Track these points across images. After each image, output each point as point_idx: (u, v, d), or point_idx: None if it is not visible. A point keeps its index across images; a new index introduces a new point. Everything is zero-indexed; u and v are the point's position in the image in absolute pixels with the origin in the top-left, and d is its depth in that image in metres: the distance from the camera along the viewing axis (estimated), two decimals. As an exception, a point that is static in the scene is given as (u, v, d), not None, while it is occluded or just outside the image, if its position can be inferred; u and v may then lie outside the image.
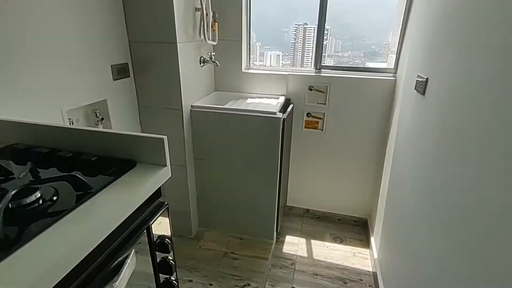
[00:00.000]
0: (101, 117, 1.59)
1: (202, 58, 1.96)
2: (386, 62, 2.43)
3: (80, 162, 0.88)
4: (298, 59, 2.55)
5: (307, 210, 2.52)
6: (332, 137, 2.21)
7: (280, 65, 2.73)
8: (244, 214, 2.10)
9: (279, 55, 2.71)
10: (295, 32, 2.59)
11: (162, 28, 1.62)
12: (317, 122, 2.22)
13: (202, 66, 1.98)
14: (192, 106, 1.89)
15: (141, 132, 1.88)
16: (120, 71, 1.66)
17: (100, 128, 0.91)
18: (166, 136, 0.90)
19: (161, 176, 0.90)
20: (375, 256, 1.97)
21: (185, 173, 1.95)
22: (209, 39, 1.91)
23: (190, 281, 1.79)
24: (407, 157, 1.48)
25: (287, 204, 2.55)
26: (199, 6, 1.77)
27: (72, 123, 1.42)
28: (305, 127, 2.25)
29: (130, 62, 1.74)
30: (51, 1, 1.24)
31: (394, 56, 2.00)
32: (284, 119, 1.84)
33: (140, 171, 0.89)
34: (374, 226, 2.13)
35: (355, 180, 2.29)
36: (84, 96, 1.47)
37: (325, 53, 2.27)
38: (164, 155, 0.90)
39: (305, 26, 2.51)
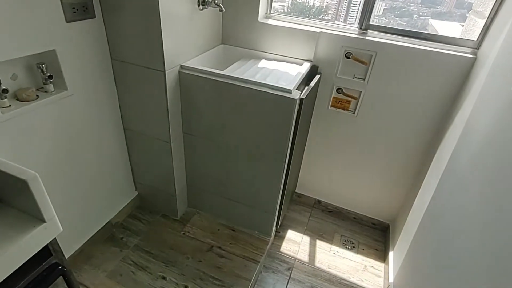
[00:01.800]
0: (48, 74, 1.17)
1: (202, -2, 1.41)
2: (461, 24, 1.75)
3: None
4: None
5: (319, 201, 2.12)
6: (366, 124, 1.68)
7: (325, 4, 2.34)
8: (239, 201, 1.73)
9: None
10: None
11: None
12: (348, 102, 1.68)
13: (201, 10, 1.43)
14: (182, 66, 1.41)
15: (118, 97, 1.49)
16: (77, 9, 1.17)
17: None
18: (36, 175, 0.47)
19: (39, 236, 0.50)
20: (391, 278, 1.59)
21: (169, 150, 1.56)
22: (211, -30, 1.33)
23: (164, 278, 1.53)
24: (477, 168, 0.98)
25: (296, 191, 2.15)
26: None
27: (-2, 83, 1.02)
28: (332, 106, 1.72)
29: (97, -4, 1.24)
30: None
31: (481, 22, 1.34)
32: (302, 99, 1.33)
33: (3, 223, 0.50)
34: (397, 237, 1.72)
35: (384, 177, 1.81)
36: (16, 44, 1.03)
37: None
38: (37, 205, 0.49)
39: None
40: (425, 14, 2.24)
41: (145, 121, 1.53)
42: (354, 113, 1.69)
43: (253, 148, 1.48)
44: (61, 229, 0.54)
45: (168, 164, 1.62)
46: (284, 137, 1.39)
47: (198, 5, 1.41)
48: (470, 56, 1.35)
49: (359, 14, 1.54)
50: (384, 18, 2.28)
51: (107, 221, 1.71)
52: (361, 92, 1.61)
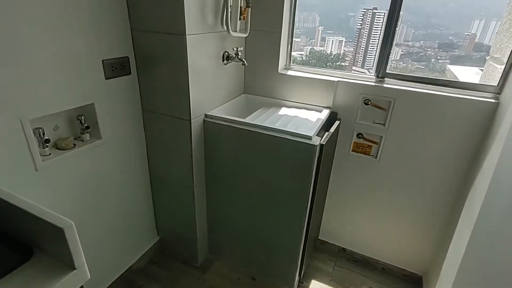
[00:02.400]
0: (86, 125, 1.28)
1: (227, 53, 1.53)
2: (480, 68, 1.77)
3: None
4: (362, 46, 2.26)
5: (343, 249, 2.02)
6: (389, 168, 1.66)
7: (342, 51, 2.39)
8: (261, 248, 1.69)
9: (342, 41, 2.46)
10: (362, 17, 2.30)
11: (169, 14, 1.22)
12: (369, 147, 1.68)
13: (225, 64, 1.55)
14: (206, 115, 1.50)
15: (146, 145, 1.61)
16: (115, 68, 1.31)
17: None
18: (72, 223, 0.51)
19: (68, 283, 0.52)
20: None
21: (192, 195, 1.59)
22: (235, 31, 1.47)
23: (181, 330, 1.47)
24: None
25: (319, 238, 2.08)
26: (224, -14, 1.33)
27: (42, 134, 1.12)
28: (353, 151, 1.72)
29: (133, 55, 1.38)
30: None
31: (500, 67, 1.36)
32: (322, 145, 1.35)
33: (35, 268, 0.52)
34: (432, 293, 1.58)
35: (412, 224, 1.72)
36: (63, 99, 1.15)
37: (393, 42, 1.77)
38: (70, 253, 0.51)
39: (374, 11, 2.21)
40: (443, 58, 2.28)
41: (170, 166, 1.59)
42: (376, 157, 1.67)
43: (275, 193, 1.49)
44: (89, 277, 0.56)
45: (190, 209, 1.64)
46: (306, 183, 1.39)
47: (223, 60, 1.53)
48: (492, 101, 1.34)
49: (375, 63, 1.60)
50: (401, 62, 2.34)
51: (128, 267, 1.71)
52: (382, 137, 1.61)
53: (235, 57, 1.54)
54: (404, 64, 2.31)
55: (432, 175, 1.57)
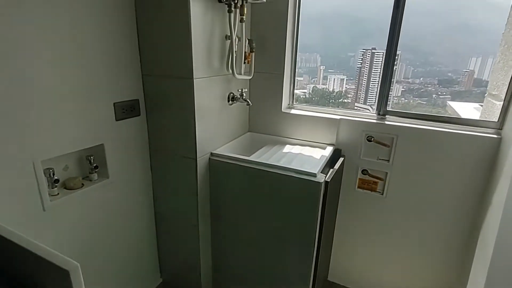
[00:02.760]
0: (95, 165, 1.31)
1: (232, 94, 1.60)
2: (480, 104, 1.80)
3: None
4: (363, 84, 2.34)
5: (355, 292, 1.92)
6: (397, 205, 1.63)
7: (344, 89, 2.48)
8: (268, 292, 1.61)
9: (343, 79, 2.55)
10: (362, 57, 2.40)
11: (178, 60, 1.30)
12: (375, 183, 1.67)
13: (230, 104, 1.61)
14: (212, 153, 1.53)
15: (152, 183, 1.60)
16: (126, 109, 1.37)
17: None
18: (78, 265, 0.51)
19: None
20: None
21: (196, 234, 1.57)
22: (239, 74, 1.54)
23: None
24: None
25: (328, 279, 1.98)
26: (229, 34, 1.43)
27: (52, 174, 1.15)
28: (359, 187, 1.71)
29: (143, 98, 1.45)
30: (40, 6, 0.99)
31: (499, 104, 1.39)
32: (327, 182, 1.35)
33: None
34: None
35: (425, 262, 1.65)
36: (74, 140, 1.20)
37: (393, 79, 1.83)
38: (74, 297, 0.51)
39: (373, 51, 2.29)
40: (444, 93, 2.33)
41: (176, 205, 1.59)
42: (382, 194, 1.65)
43: (281, 231, 1.46)
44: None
45: (194, 248, 1.61)
46: (312, 220, 1.37)
47: (228, 101, 1.59)
48: (494, 136, 1.35)
49: (376, 100, 1.65)
50: (403, 98, 2.40)
51: (129, 312, 1.63)
52: (387, 173, 1.61)
53: (240, 98, 1.60)
54: (406, 100, 2.37)
55: (442, 211, 1.53)
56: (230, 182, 1.51)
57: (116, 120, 1.34)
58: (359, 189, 1.71)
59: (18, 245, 0.56)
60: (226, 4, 1.36)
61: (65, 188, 1.24)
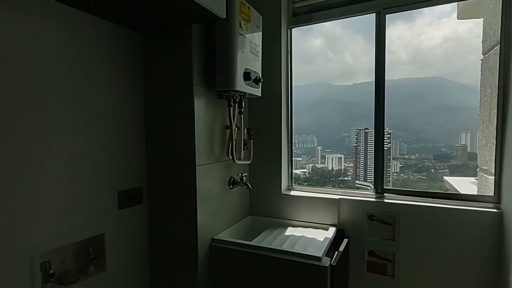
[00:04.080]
0: (93, 256, 1.28)
1: (232, 179, 1.66)
2: (475, 178, 1.84)
3: None
4: (361, 161, 2.41)
5: None
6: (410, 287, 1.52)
7: (342, 167, 2.53)
8: None
9: (341, 157, 2.64)
10: (356, 136, 2.52)
11: (181, 149, 1.40)
12: (384, 265, 1.59)
13: (231, 189, 1.66)
14: (212, 239, 1.50)
15: (150, 274, 1.52)
16: (130, 198, 1.41)
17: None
18: None
19: None
20: None
21: (196, 334, 1.42)
22: (239, 159, 1.63)
23: None
24: None
25: None
26: (229, 124, 1.56)
27: (49, 268, 1.12)
28: (367, 271, 1.62)
29: (146, 185, 1.50)
30: (51, 106, 1.10)
31: (491, 179, 1.43)
32: (333, 266, 1.29)
33: None
34: None
35: None
36: (75, 231, 1.20)
37: (389, 156, 1.88)
38: None
39: (366, 131, 2.41)
40: (442, 168, 2.38)
41: (174, 299, 1.48)
42: (393, 277, 1.56)
43: (288, 327, 1.33)
44: None
45: None
46: (321, 312, 1.26)
47: (229, 185, 1.64)
48: (494, 210, 1.36)
49: (373, 179, 1.69)
50: (402, 174, 2.44)
51: None
52: (394, 253, 1.55)
53: (240, 182, 1.66)
54: (406, 176, 2.41)
55: (460, 296, 1.42)
56: (232, 269, 1.45)
57: (119, 208, 1.36)
58: (368, 273, 1.62)
59: None
60: (226, 100, 1.53)
61: (59, 283, 1.18)
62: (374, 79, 1.66)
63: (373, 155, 1.72)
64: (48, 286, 1.12)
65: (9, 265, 1.00)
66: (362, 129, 2.58)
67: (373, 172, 1.73)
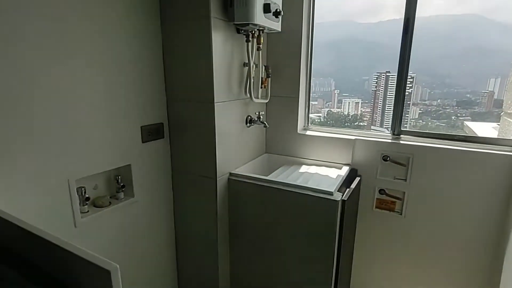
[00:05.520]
0: (122, 184, 1.39)
1: (249, 117, 1.68)
2: (498, 123, 1.80)
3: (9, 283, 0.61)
4: (379, 106, 2.33)
5: (377, 318, 1.85)
6: (417, 224, 1.61)
7: (359, 112, 2.50)
8: (287, 316, 1.59)
9: (358, 102, 2.58)
10: (376, 80, 2.42)
11: (200, 86, 1.41)
12: (393, 203, 1.66)
13: (249, 127, 1.69)
14: (230, 173, 1.59)
15: (173, 203, 1.68)
16: (152, 132, 1.47)
17: (51, 237, 0.64)
18: (117, 266, 0.56)
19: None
20: None
21: (216, 253, 1.59)
22: (257, 97, 1.63)
23: None
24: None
25: (349, 304, 1.93)
26: (247, 61, 1.53)
27: (84, 193, 1.24)
28: (377, 207, 1.71)
29: (167, 121, 1.55)
30: (78, 47, 1.12)
31: (515, 122, 1.39)
32: (344, 201, 1.37)
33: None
34: None
35: (449, 284, 1.59)
36: (105, 161, 1.29)
37: (409, 101, 1.84)
38: (112, 297, 0.56)
39: (387, 74, 2.29)
40: (463, 115, 2.31)
41: (195, 224, 1.63)
42: (401, 214, 1.64)
43: (299, 250, 1.47)
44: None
45: (213, 267, 1.63)
46: (330, 239, 1.37)
47: (246, 123, 1.67)
48: (512, 154, 1.35)
49: (390, 121, 1.68)
50: (421, 121, 2.40)
51: (148, 333, 1.64)
52: (404, 192, 1.61)
53: (257, 120, 1.68)
54: (424, 122, 2.37)
55: (464, 231, 1.50)
56: (248, 201, 1.56)
57: (143, 142, 1.44)
58: (377, 209, 1.71)
59: (62, 249, 0.62)
60: (244, 34, 1.48)
61: (94, 206, 1.32)
62: (403, 16, 1.54)
63: (392, 101, 1.68)
64: (85, 208, 1.26)
65: (52, 190, 1.11)
66: (384, 73, 2.48)
67: (391, 116, 1.72)
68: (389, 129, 1.69)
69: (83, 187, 1.24)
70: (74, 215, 1.19)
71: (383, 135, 1.69)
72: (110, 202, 1.36)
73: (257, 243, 1.58)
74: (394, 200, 1.66)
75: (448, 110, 2.34)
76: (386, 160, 1.62)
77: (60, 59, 1.08)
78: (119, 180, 1.39)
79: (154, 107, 1.47)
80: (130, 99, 1.35)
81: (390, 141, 1.62)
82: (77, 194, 1.20)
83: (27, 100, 1.01)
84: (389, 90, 2.36)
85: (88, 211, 1.27)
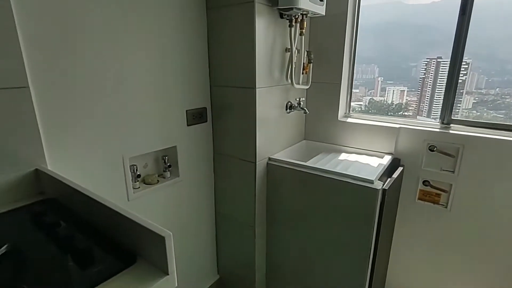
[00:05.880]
0: (168, 164, 1.49)
1: (290, 103, 1.69)
2: None
3: (77, 241, 0.71)
4: (427, 95, 2.16)
5: (414, 311, 1.82)
6: (463, 219, 1.53)
7: (404, 101, 2.40)
8: (321, 300, 1.62)
9: (404, 90, 2.41)
10: (425, 67, 2.25)
11: (242, 72, 1.44)
12: (438, 195, 1.59)
13: (288, 113, 1.70)
14: (269, 158, 1.62)
15: (214, 184, 1.76)
16: (196, 116, 1.55)
17: (111, 204, 0.73)
18: (171, 234, 0.63)
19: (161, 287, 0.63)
20: None
21: (253, 235, 1.66)
22: (298, 83, 1.63)
23: None
24: None
25: (385, 295, 1.91)
26: (289, 47, 1.53)
27: (136, 170, 1.35)
28: (419, 199, 1.65)
29: (210, 106, 1.62)
30: (128, 38, 1.21)
31: None
32: (385, 190, 1.34)
33: (136, 273, 0.64)
34: None
35: (495, 285, 1.51)
36: (154, 142, 1.39)
37: (462, 89, 1.72)
38: (165, 259, 0.63)
39: (438, 60, 2.13)
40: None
41: (234, 206, 1.71)
42: (446, 207, 1.57)
43: (336, 238, 1.47)
44: (176, 284, 0.66)
45: (250, 249, 1.70)
46: (368, 229, 1.36)
47: (286, 109, 1.68)
48: None
49: (440, 109, 1.59)
50: (475, 111, 2.23)
51: (189, 304, 1.77)
52: (451, 185, 1.53)
53: (297, 106, 1.68)
54: (478, 113, 2.20)
55: (517, 230, 1.40)
56: (286, 186, 1.59)
57: (187, 125, 1.52)
58: (419, 201, 1.65)
59: (123, 216, 0.70)
60: (287, 19, 1.47)
61: (144, 183, 1.43)
62: (460, -7, 1.43)
63: (442, 89, 1.58)
64: (136, 184, 1.37)
65: (110, 165, 1.24)
66: (434, 58, 2.32)
67: (440, 106, 1.62)
68: (438, 118, 1.60)
69: (135, 165, 1.35)
70: (127, 190, 1.30)
71: (430, 123, 1.61)
72: (158, 180, 1.46)
73: (293, 227, 1.62)
74: (439, 192, 1.58)
75: (507, 99, 2.15)
76: (433, 150, 1.55)
77: (127, 52, 1.19)
78: (166, 160, 1.49)
79: (198, 92, 1.54)
80: (177, 85, 1.43)
81: (438, 130, 1.54)
82: (130, 171, 1.32)
83: (99, 87, 1.14)
84: (439, 77, 2.21)
85: (139, 187, 1.38)
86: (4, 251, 0.64)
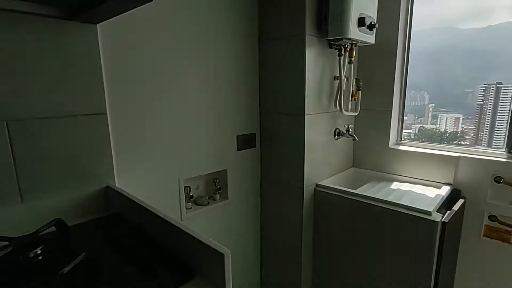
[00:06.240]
0: (219, 187, 1.55)
1: (338, 130, 1.68)
2: None
3: (140, 255, 0.76)
4: (486, 124, 2.01)
5: None
6: (540, 263, 1.35)
7: (459, 129, 2.24)
8: None
9: (459, 118, 2.28)
10: (483, 93, 2.12)
11: (291, 99, 1.49)
12: (508, 233, 1.43)
13: (336, 139, 1.69)
14: (317, 185, 1.60)
15: (261, 208, 1.79)
16: (245, 141, 1.61)
17: (173, 220, 0.78)
18: (229, 251, 0.66)
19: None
20: None
21: (299, 261, 1.62)
22: (346, 110, 1.63)
23: None
24: None
25: None
26: (338, 75, 1.55)
27: (189, 191, 1.43)
28: (485, 235, 1.49)
29: (259, 132, 1.68)
30: (191, 76, 1.32)
31: None
32: (444, 223, 1.25)
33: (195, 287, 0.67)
34: None
35: None
36: (206, 165, 1.46)
37: None
38: (223, 277, 0.65)
39: (498, 85, 2.03)
40: None
41: (281, 231, 1.69)
42: (519, 247, 1.40)
43: (387, 274, 1.38)
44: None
45: (296, 276, 1.65)
46: (426, 267, 1.26)
47: (334, 136, 1.68)
48: None
49: (506, 137, 1.47)
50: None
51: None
52: (524, 221, 1.37)
53: (346, 133, 1.67)
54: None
55: None
56: (334, 215, 1.55)
57: (237, 150, 1.58)
58: (485, 238, 1.49)
59: (185, 232, 0.75)
60: (336, 49, 1.51)
61: (196, 204, 1.50)
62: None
63: (504, 116, 1.45)
64: (189, 205, 1.44)
65: (167, 186, 1.33)
66: (493, 84, 2.17)
67: (504, 134, 1.49)
68: (500, 147, 1.48)
69: (189, 186, 1.43)
70: (181, 209, 1.38)
71: (494, 152, 1.49)
72: (208, 202, 1.52)
73: (340, 257, 1.55)
74: (509, 229, 1.42)
75: None
76: (499, 182, 1.42)
77: (190, 89, 1.32)
78: (216, 183, 1.55)
79: (248, 119, 1.61)
80: (229, 112, 1.51)
81: (505, 160, 1.41)
82: (184, 192, 1.39)
83: (166, 120, 1.27)
84: (500, 103, 2.05)
85: (191, 207, 1.45)
86: (81, 258, 0.72)
